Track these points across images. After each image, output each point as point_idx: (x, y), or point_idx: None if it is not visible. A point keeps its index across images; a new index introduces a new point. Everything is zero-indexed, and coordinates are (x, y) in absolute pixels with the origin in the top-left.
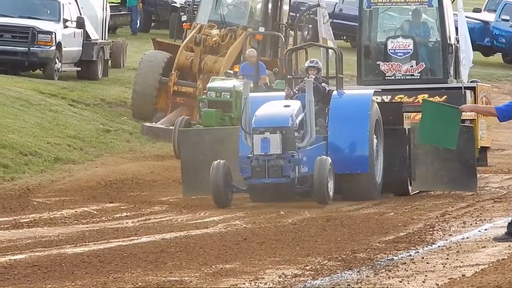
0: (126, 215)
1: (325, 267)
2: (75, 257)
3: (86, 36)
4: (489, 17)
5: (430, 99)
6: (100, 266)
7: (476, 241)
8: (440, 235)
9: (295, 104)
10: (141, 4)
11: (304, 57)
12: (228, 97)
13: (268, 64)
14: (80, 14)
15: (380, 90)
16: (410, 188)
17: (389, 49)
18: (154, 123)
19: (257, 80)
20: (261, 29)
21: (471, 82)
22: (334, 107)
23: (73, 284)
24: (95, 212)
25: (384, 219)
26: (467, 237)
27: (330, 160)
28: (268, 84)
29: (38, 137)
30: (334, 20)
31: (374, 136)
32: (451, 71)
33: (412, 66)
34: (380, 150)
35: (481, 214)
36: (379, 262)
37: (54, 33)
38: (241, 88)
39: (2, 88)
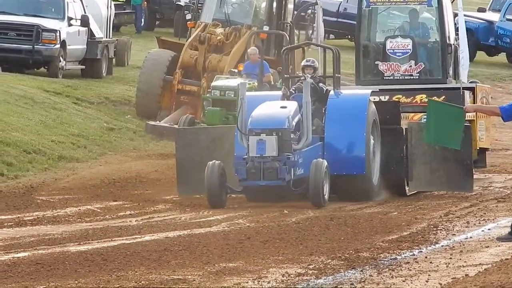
0: (130, 214)
1: (329, 266)
2: (78, 255)
3: (91, 34)
4: (494, 17)
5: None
6: (103, 264)
7: (480, 240)
8: (444, 235)
9: (292, 105)
10: (145, 2)
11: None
12: (232, 95)
13: (273, 63)
14: (85, 12)
15: (378, 90)
16: (407, 188)
17: (387, 49)
18: (158, 122)
19: (262, 79)
20: (266, 28)
21: (471, 82)
22: (331, 107)
23: (76, 282)
24: (99, 210)
25: (387, 218)
26: (471, 237)
27: (326, 163)
28: (272, 82)
29: (42, 135)
30: (339, 19)
31: (371, 136)
32: (450, 72)
33: (411, 66)
34: (377, 150)
35: (485, 214)
36: (383, 262)
37: (58, 31)
38: (246, 87)
39: (6, 86)
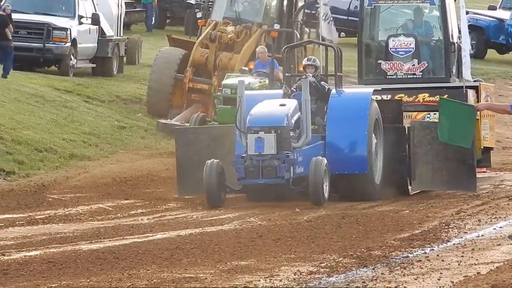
0: (141, 212)
1: (340, 264)
2: (90, 253)
3: (101, 32)
4: (505, 15)
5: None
6: (115, 262)
7: (491, 238)
8: (455, 233)
9: (291, 103)
10: (156, 0)
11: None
12: None
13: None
14: (95, 11)
15: (380, 89)
16: (410, 188)
17: (390, 48)
18: (169, 120)
19: (272, 77)
20: (276, 26)
21: (474, 81)
22: (332, 106)
23: (88, 280)
24: (110, 208)
25: (399, 216)
26: (482, 235)
27: (325, 161)
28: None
29: (53, 134)
30: (349, 18)
31: (373, 135)
32: (454, 70)
33: (414, 65)
34: (380, 150)
35: (496, 212)
36: (394, 260)
37: (69, 30)
38: (257, 85)
39: (17, 85)
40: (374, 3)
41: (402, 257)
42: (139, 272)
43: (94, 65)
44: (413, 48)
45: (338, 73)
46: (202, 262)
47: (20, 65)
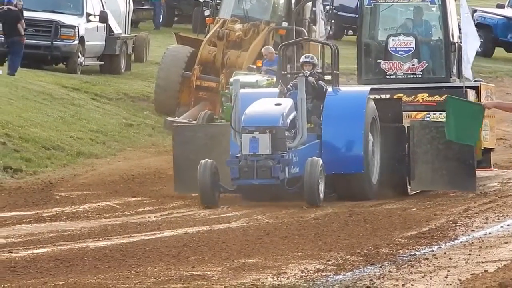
0: (149, 210)
1: (348, 262)
2: (97, 251)
3: (109, 30)
4: None
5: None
6: (122, 260)
7: (499, 236)
8: (463, 231)
9: (287, 102)
10: None
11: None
12: None
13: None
14: (103, 8)
15: (378, 87)
16: (409, 188)
17: (390, 47)
18: (176, 118)
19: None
20: (284, 24)
21: (475, 81)
22: (328, 104)
23: (95, 278)
24: (118, 206)
25: (406, 214)
26: (490, 233)
27: (321, 161)
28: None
29: (61, 131)
30: (357, 16)
31: (370, 134)
32: (454, 70)
33: (413, 65)
34: (377, 149)
35: (504, 209)
36: (402, 258)
37: (77, 27)
38: (264, 83)
39: (25, 82)
40: (374, 2)
41: (410, 255)
42: (147, 270)
43: (102, 63)
44: (413, 47)
45: (334, 71)
46: (209, 260)
47: (27, 62)
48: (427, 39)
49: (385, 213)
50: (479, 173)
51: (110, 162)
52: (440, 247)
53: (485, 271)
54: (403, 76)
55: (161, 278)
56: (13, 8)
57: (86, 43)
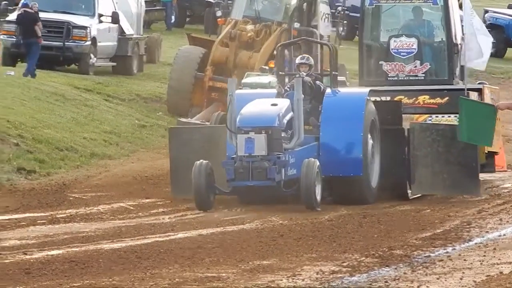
0: (163, 211)
1: (362, 263)
2: (112, 252)
3: (121, 31)
4: None
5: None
6: (137, 262)
7: None
8: (477, 232)
9: (283, 103)
10: None
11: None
12: None
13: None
14: (115, 9)
15: (377, 89)
16: (409, 192)
17: (392, 49)
18: (189, 119)
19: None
20: (296, 25)
21: (478, 83)
22: (327, 106)
23: (110, 279)
24: (132, 207)
25: (420, 216)
26: (504, 234)
27: (318, 163)
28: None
29: (74, 132)
30: None
31: (370, 137)
32: (457, 72)
33: (416, 67)
34: (377, 151)
35: None
36: (416, 259)
37: (89, 28)
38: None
39: (37, 83)
40: (376, 3)
41: (424, 256)
42: (161, 272)
43: (114, 64)
44: (415, 49)
45: (333, 72)
46: (224, 262)
47: (40, 63)
48: (429, 40)
49: (399, 215)
50: (493, 175)
51: (123, 163)
52: (455, 249)
53: (500, 272)
54: (405, 78)
55: (176, 279)
56: (29, 10)
57: (98, 44)
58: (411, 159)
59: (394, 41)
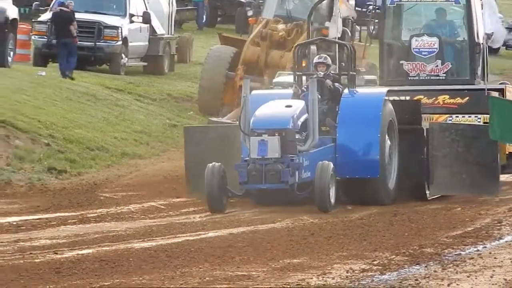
0: (193, 210)
1: (393, 262)
2: (142, 251)
3: (152, 31)
4: None
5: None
6: (167, 261)
7: None
8: (508, 230)
9: (298, 104)
10: None
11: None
12: None
13: (334, 59)
14: (146, 9)
15: (398, 90)
16: (427, 192)
17: (413, 48)
18: (220, 118)
19: None
20: (327, 24)
21: (500, 84)
22: (344, 107)
23: (140, 278)
24: (162, 207)
25: (451, 214)
26: None
27: (332, 165)
28: None
29: (105, 132)
30: None
31: (387, 138)
32: (479, 72)
33: (437, 66)
34: (394, 153)
35: None
36: (447, 257)
37: (120, 28)
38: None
39: (68, 83)
40: (397, 1)
41: (455, 254)
42: (192, 270)
43: (145, 64)
44: (436, 48)
45: (351, 72)
46: (254, 260)
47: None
48: (451, 39)
49: (430, 213)
50: None
51: (154, 163)
52: (485, 247)
53: None
54: (426, 78)
55: (206, 278)
56: (65, 9)
57: (129, 44)
58: (430, 159)
59: (416, 40)
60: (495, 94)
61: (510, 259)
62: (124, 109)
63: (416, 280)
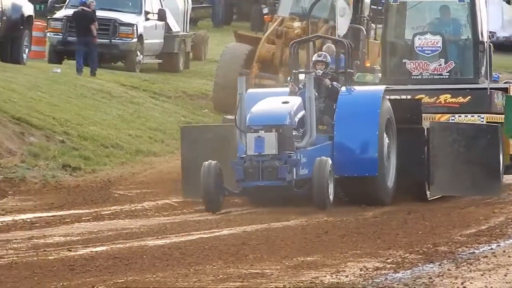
0: None
1: (406, 260)
2: (156, 249)
3: (168, 28)
4: None
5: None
6: (181, 258)
7: None
8: None
9: (295, 101)
10: None
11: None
12: None
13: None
14: (162, 7)
15: (395, 88)
16: (428, 192)
17: (416, 47)
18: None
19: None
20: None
21: (504, 83)
22: (341, 104)
23: (154, 276)
24: (176, 204)
25: (465, 212)
26: None
27: (330, 162)
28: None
29: (120, 129)
30: None
31: (386, 136)
32: (483, 71)
33: (440, 65)
34: (393, 151)
35: None
36: (461, 256)
37: (135, 26)
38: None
39: (83, 80)
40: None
41: (469, 253)
42: (205, 268)
43: (160, 61)
44: (440, 47)
45: (348, 70)
46: (268, 258)
47: (86, 60)
48: (455, 38)
49: (443, 211)
50: None
51: (168, 160)
52: (499, 245)
53: None
54: (429, 77)
55: (220, 276)
56: (86, 8)
57: (145, 41)
58: (430, 159)
59: (419, 38)
60: (498, 93)
61: None
62: (139, 106)
63: (430, 278)
